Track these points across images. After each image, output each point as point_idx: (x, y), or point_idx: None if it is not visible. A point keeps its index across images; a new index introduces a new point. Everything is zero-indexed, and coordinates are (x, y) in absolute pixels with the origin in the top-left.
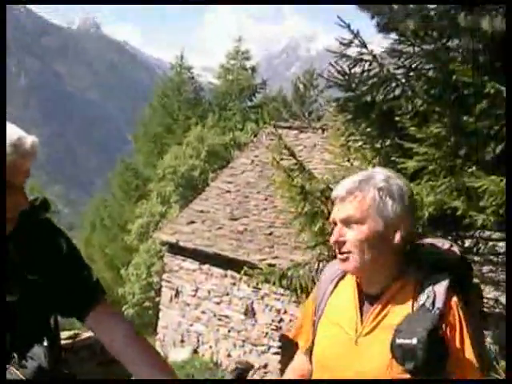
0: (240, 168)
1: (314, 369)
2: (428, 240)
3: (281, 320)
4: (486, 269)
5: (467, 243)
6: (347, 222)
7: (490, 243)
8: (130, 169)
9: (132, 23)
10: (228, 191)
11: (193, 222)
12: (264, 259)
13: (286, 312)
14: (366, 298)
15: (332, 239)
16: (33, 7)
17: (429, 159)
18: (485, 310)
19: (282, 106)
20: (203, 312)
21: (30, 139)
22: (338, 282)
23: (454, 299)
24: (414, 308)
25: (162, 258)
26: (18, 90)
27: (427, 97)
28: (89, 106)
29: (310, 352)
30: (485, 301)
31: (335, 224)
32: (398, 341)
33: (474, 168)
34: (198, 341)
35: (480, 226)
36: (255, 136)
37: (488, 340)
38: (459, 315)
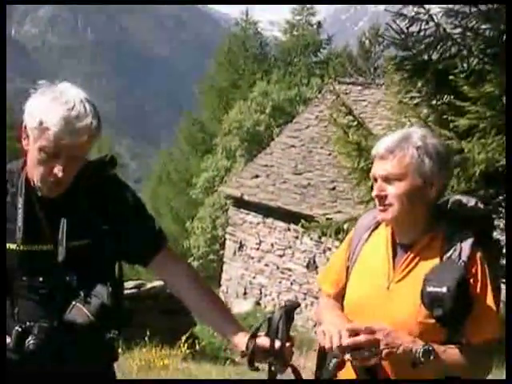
0: (304, 123)
1: (345, 312)
2: (456, 197)
3: None
4: None
5: None
6: (388, 179)
7: None
8: (196, 123)
9: None
10: (292, 146)
11: (257, 176)
12: (326, 214)
13: None
14: (398, 247)
15: (373, 193)
16: None
17: (481, 117)
18: None
19: (347, 62)
20: (266, 265)
21: (88, 120)
22: (372, 231)
23: (478, 254)
24: (442, 260)
25: (226, 212)
26: (85, 45)
27: (483, 56)
28: (157, 61)
29: (338, 295)
30: None
31: (375, 179)
32: (428, 289)
33: None
34: (261, 293)
35: None
36: (320, 92)
37: None
38: (482, 268)
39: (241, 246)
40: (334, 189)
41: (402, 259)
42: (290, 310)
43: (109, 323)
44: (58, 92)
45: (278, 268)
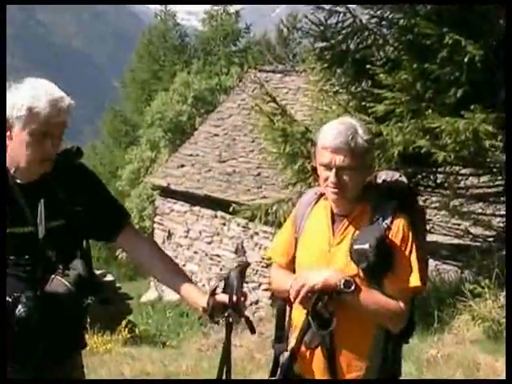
0: (227, 112)
1: (296, 274)
2: (382, 172)
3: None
4: (456, 202)
5: (439, 179)
6: (344, 168)
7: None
8: (118, 116)
9: None
10: (216, 135)
11: (183, 166)
12: (253, 199)
13: None
14: (336, 217)
15: (330, 179)
16: None
17: (397, 103)
18: (456, 238)
19: (266, 50)
20: (195, 252)
21: (67, 100)
22: (313, 206)
23: (400, 218)
24: (369, 224)
25: (153, 203)
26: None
27: (397, 44)
28: (75, 54)
29: (289, 265)
30: (456, 231)
31: (328, 167)
32: (355, 246)
33: (431, 111)
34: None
35: (442, 161)
36: (240, 80)
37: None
38: (403, 230)
39: (169, 235)
40: (258, 175)
41: (339, 226)
42: (243, 269)
43: (86, 291)
44: (33, 83)
45: (206, 255)
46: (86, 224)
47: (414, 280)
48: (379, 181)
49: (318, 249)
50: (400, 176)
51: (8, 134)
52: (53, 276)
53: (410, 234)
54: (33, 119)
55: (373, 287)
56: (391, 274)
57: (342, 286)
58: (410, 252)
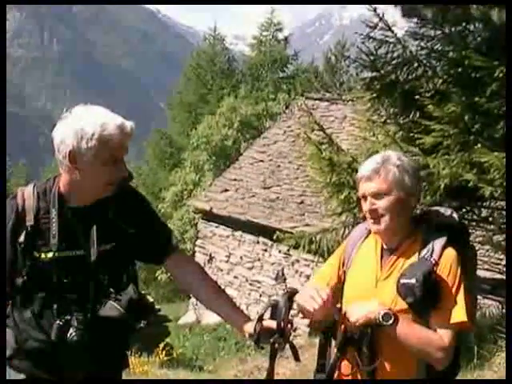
0: (272, 138)
1: (343, 306)
2: (434, 208)
3: None
4: (500, 237)
5: (484, 213)
6: (376, 195)
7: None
8: (164, 137)
9: None
10: (261, 160)
11: (226, 190)
12: (295, 227)
13: None
14: (385, 251)
15: (366, 209)
16: None
17: (445, 135)
18: (498, 273)
19: (313, 77)
20: (235, 277)
21: (130, 123)
22: (363, 241)
23: (449, 253)
24: (417, 258)
25: (194, 226)
26: (49, 57)
27: (446, 77)
28: (122, 74)
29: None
30: (498, 266)
31: (365, 198)
32: (402, 281)
33: (480, 145)
34: None
35: (489, 196)
36: (287, 107)
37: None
38: (451, 265)
39: (210, 259)
40: (301, 202)
41: (387, 261)
42: (291, 296)
43: (137, 315)
44: (94, 111)
45: (247, 280)
46: (136, 247)
47: (460, 315)
48: (431, 215)
49: (366, 283)
50: (452, 212)
51: (71, 164)
52: (106, 300)
53: (459, 270)
54: (104, 147)
55: (419, 322)
56: (437, 309)
57: (380, 319)
58: (458, 288)
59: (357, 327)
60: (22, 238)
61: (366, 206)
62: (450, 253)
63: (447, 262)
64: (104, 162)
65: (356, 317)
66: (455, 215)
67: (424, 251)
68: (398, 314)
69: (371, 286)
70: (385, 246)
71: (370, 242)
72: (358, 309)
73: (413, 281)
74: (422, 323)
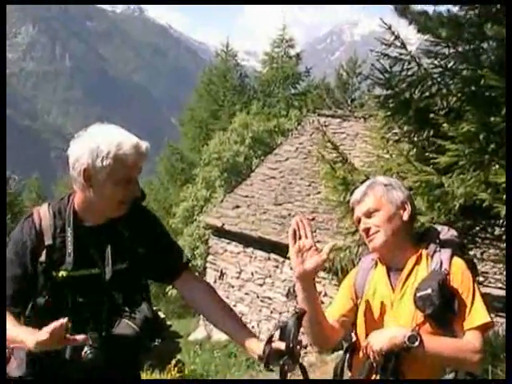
0: (284, 155)
1: (360, 336)
2: (438, 226)
3: (321, 302)
4: None
5: (497, 232)
6: (368, 213)
7: None
8: (176, 153)
9: (174, 7)
10: (272, 177)
11: (238, 207)
12: None
13: (326, 294)
14: (392, 273)
15: (361, 229)
16: None
17: (460, 155)
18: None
19: (325, 93)
20: (246, 293)
21: (145, 144)
22: (373, 270)
23: (458, 262)
24: (428, 272)
25: (205, 242)
26: (62, 72)
27: (461, 95)
28: (134, 89)
29: (341, 320)
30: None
31: (359, 221)
32: (418, 294)
33: (497, 165)
34: None
35: (503, 216)
36: (299, 124)
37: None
38: (463, 271)
39: (221, 275)
40: (313, 219)
41: (397, 281)
42: (300, 317)
43: (152, 333)
44: (110, 130)
45: (258, 297)
46: (148, 266)
47: (482, 317)
48: (432, 233)
49: (382, 307)
50: (449, 229)
51: (85, 182)
52: (120, 319)
53: (470, 275)
54: (119, 166)
55: (442, 333)
56: (458, 315)
57: (407, 342)
58: (474, 291)
59: (381, 355)
60: (43, 258)
61: (360, 227)
62: (459, 261)
63: (458, 270)
64: (118, 181)
65: (379, 345)
66: (453, 232)
67: (433, 265)
68: (420, 333)
69: (388, 309)
70: (391, 267)
71: (378, 270)
72: (379, 336)
73: (429, 291)
74: (445, 332)
